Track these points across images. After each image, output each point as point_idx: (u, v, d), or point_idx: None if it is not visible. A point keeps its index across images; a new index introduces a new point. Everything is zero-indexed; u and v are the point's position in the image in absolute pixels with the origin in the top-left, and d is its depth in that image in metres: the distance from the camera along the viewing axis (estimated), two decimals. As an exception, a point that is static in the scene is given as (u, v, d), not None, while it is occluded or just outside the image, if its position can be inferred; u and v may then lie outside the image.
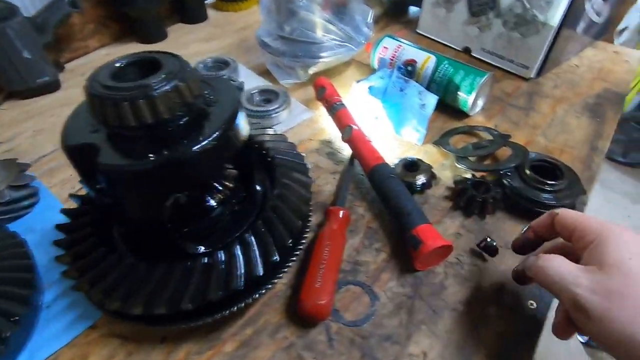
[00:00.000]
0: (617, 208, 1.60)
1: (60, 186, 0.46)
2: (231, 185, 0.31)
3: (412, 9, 0.83)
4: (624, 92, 0.58)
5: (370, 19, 0.63)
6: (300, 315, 0.32)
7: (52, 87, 0.62)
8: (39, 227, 0.40)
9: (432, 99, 0.51)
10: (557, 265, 0.26)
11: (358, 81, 0.55)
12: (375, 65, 0.62)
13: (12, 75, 0.57)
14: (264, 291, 0.30)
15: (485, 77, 0.50)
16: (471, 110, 0.53)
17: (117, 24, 0.74)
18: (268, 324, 0.32)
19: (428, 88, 0.54)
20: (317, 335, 0.31)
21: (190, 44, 0.74)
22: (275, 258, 0.28)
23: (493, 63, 0.64)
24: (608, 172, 1.71)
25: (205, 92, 0.27)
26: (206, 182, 0.26)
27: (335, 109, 0.50)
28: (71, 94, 0.62)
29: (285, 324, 0.32)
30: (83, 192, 0.41)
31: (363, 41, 0.61)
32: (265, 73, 0.63)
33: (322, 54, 0.58)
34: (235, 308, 0.28)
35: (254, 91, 0.55)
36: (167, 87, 0.23)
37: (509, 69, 0.62)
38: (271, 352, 0.30)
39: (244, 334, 0.32)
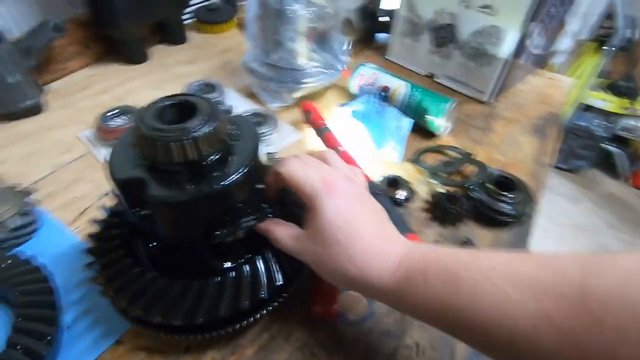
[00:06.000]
0: (557, 208, 1.82)
1: (62, 209, 0.47)
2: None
3: (379, 36, 0.92)
4: (561, 114, 0.69)
5: (346, 47, 0.70)
6: (312, 319, 0.36)
7: (35, 110, 0.62)
8: (48, 252, 0.41)
9: (406, 123, 0.58)
10: (281, 235, 0.31)
11: (342, 105, 0.61)
12: (354, 89, 0.68)
13: (-4, 100, 0.57)
14: (282, 300, 0.34)
15: (449, 103, 0.58)
16: (440, 132, 0.60)
17: (99, 45, 0.75)
18: (282, 329, 0.36)
19: (402, 111, 0.61)
20: (327, 335, 0.36)
21: (173, 65, 0.77)
22: (289, 272, 0.33)
23: (454, 88, 0.73)
24: (551, 177, 1.94)
25: (230, 129, 0.31)
26: (237, 207, 0.30)
27: (322, 132, 0.55)
28: (55, 116, 0.62)
29: (297, 328, 0.36)
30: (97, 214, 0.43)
31: (341, 68, 0.67)
32: (250, 96, 0.68)
33: (306, 80, 0.64)
34: (259, 315, 0.32)
35: (247, 114, 0.59)
36: (207, 129, 0.27)
37: (468, 94, 0.71)
38: (288, 354, 0.35)
39: (261, 338, 0.36)
